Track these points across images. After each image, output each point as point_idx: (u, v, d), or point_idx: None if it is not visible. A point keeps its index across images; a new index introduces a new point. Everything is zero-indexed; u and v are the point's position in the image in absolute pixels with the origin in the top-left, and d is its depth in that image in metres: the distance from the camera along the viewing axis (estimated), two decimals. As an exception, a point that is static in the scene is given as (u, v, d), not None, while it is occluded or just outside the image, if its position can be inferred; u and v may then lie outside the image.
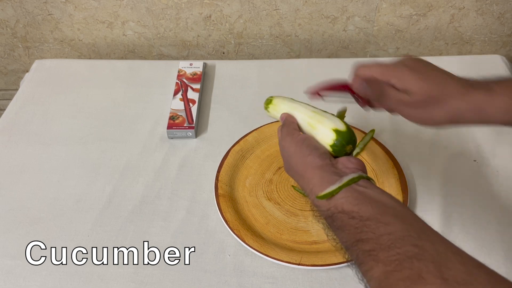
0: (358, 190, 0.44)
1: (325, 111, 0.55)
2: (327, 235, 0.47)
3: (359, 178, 0.45)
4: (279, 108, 0.59)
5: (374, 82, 0.51)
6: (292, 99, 0.59)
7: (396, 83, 0.49)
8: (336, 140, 0.50)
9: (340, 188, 0.44)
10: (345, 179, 0.45)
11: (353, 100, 0.56)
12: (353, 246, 0.41)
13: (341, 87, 0.55)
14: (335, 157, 0.50)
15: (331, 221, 0.44)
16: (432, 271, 0.34)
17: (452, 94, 0.47)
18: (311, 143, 0.51)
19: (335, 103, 0.58)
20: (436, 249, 0.36)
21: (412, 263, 0.35)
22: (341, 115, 0.55)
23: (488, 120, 0.48)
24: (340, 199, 0.44)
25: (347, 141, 0.51)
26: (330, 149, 0.51)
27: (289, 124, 0.55)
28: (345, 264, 0.62)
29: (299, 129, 0.55)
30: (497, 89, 0.47)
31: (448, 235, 0.67)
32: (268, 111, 0.61)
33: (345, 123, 0.52)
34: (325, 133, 0.51)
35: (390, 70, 0.50)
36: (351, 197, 0.43)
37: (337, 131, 0.51)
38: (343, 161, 0.48)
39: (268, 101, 0.61)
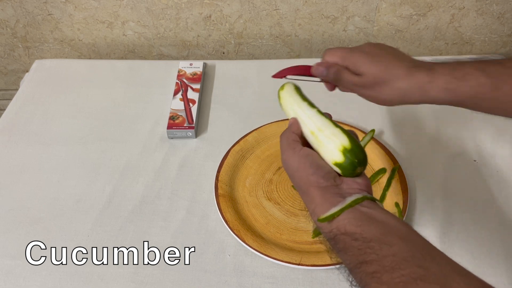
0: (362, 211, 0.43)
1: (335, 123, 0.51)
2: (331, 257, 0.47)
3: (363, 199, 0.44)
4: (286, 106, 0.56)
5: (335, 66, 0.55)
6: (302, 97, 0.55)
7: (350, 67, 0.53)
8: (344, 162, 0.47)
9: (342, 210, 0.43)
10: (348, 201, 0.44)
11: (318, 80, 0.58)
12: (357, 268, 0.40)
13: (305, 71, 0.58)
14: (340, 175, 0.48)
15: (334, 243, 0.43)
16: None
17: (397, 76, 0.51)
18: (314, 160, 0.48)
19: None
20: (441, 270, 0.36)
21: (417, 285, 0.35)
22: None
23: (431, 100, 0.51)
24: (343, 220, 0.43)
25: (358, 163, 0.47)
26: (338, 170, 0.47)
27: (288, 135, 0.52)
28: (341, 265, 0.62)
29: (302, 136, 0.52)
30: (439, 69, 0.50)
31: (448, 235, 0.67)
32: (279, 98, 0.58)
33: (356, 142, 0.48)
34: (333, 149, 0.48)
35: (348, 54, 0.54)
36: (354, 218, 0.42)
37: (347, 151, 0.47)
38: (348, 181, 0.47)
39: (281, 88, 0.57)
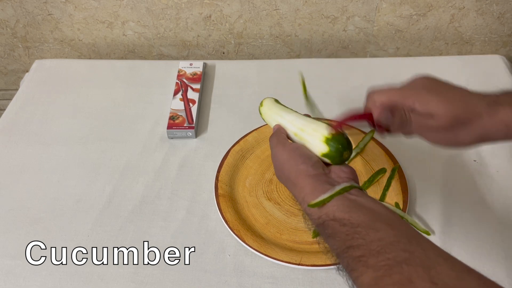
0: (350, 199, 0.45)
1: (315, 119, 0.54)
2: (318, 242, 0.48)
3: (351, 187, 0.46)
4: (268, 119, 0.60)
5: (393, 108, 0.49)
6: (280, 106, 0.59)
7: (419, 108, 0.47)
8: (330, 150, 0.49)
9: (331, 197, 0.45)
10: (337, 188, 0.45)
11: (366, 124, 0.53)
12: (344, 253, 0.41)
13: (362, 117, 0.51)
14: (327, 165, 0.50)
15: (323, 228, 0.45)
16: (422, 275, 0.34)
17: (479, 114, 0.46)
18: (303, 152, 0.51)
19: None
20: (426, 254, 0.37)
21: (401, 268, 0.35)
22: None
23: None
24: (332, 206, 0.44)
25: (342, 148, 0.49)
26: (326, 159, 0.50)
27: (278, 134, 0.55)
28: (340, 266, 0.62)
29: (290, 138, 0.55)
30: None
31: (448, 235, 0.67)
32: (260, 114, 0.62)
33: (336, 130, 0.50)
34: (317, 143, 0.51)
35: (409, 93, 0.48)
36: (343, 205, 0.44)
37: (329, 140, 0.50)
38: (335, 170, 0.49)
39: (261, 105, 0.62)
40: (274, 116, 0.58)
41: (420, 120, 0.48)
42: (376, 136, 0.80)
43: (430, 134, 0.49)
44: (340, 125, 0.51)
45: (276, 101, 0.61)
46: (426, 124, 0.47)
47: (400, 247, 0.38)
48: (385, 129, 0.51)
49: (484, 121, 0.46)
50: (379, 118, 0.49)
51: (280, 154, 0.52)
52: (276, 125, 0.58)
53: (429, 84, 0.48)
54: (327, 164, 0.51)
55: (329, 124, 0.52)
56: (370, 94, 0.50)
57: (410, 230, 0.41)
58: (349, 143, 0.50)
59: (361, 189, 0.47)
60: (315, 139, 0.51)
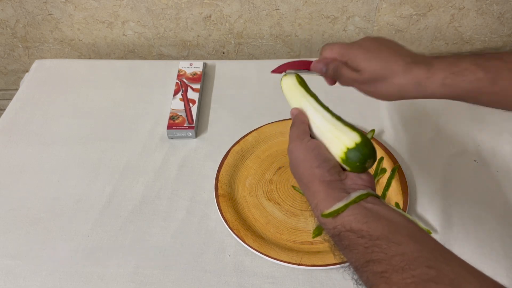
0: (367, 208, 0.42)
1: (340, 118, 0.51)
2: (334, 254, 0.45)
3: (368, 195, 0.43)
4: (291, 96, 0.56)
5: (334, 62, 0.54)
6: (308, 90, 0.55)
7: (349, 62, 0.53)
8: (353, 156, 0.46)
9: (346, 206, 0.42)
10: (353, 196, 0.43)
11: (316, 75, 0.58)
12: (363, 267, 0.39)
13: (304, 66, 0.58)
14: (344, 169, 0.47)
15: (338, 240, 0.42)
16: None
17: (395, 72, 0.50)
18: (321, 153, 0.47)
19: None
20: (454, 272, 0.35)
21: (429, 287, 0.34)
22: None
23: (429, 95, 0.50)
24: (348, 216, 0.42)
25: (367, 157, 0.46)
26: (346, 166, 0.47)
27: (299, 125, 0.51)
28: (345, 264, 0.62)
29: (310, 130, 0.51)
30: (437, 64, 0.49)
31: (448, 235, 0.67)
32: (281, 86, 0.58)
33: (364, 136, 0.48)
34: (340, 146, 0.47)
35: (346, 50, 0.53)
36: (360, 214, 0.41)
37: (351, 150, 0.46)
38: (352, 176, 0.46)
39: (284, 76, 0.57)
40: (301, 99, 0.54)
41: (348, 73, 0.53)
42: (376, 136, 0.81)
43: (359, 86, 0.54)
44: (281, 69, 0.57)
45: (302, 81, 0.57)
46: (352, 76, 0.53)
47: (425, 263, 0.35)
48: (329, 78, 0.57)
49: (398, 78, 0.50)
50: (314, 69, 0.56)
51: (296, 151, 0.49)
52: (295, 109, 0.54)
53: (368, 43, 0.53)
54: (344, 168, 0.47)
55: (356, 128, 0.49)
56: (323, 46, 0.56)
57: (433, 243, 0.39)
58: (372, 153, 0.47)
59: (378, 197, 0.45)
60: (338, 143, 0.47)
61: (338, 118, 0.50)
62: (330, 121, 0.50)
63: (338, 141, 0.47)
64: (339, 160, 0.47)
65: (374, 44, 0.53)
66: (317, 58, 0.57)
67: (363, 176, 0.46)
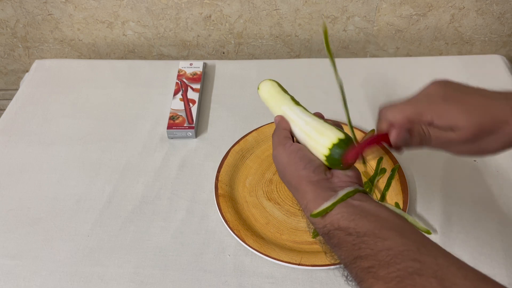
0: (354, 205, 0.43)
1: (320, 118, 0.51)
2: (325, 252, 0.46)
3: (355, 191, 0.44)
4: (271, 103, 0.55)
5: (409, 125, 0.45)
6: (287, 95, 0.55)
7: (438, 122, 0.43)
8: (335, 153, 0.46)
9: (334, 205, 0.43)
10: (340, 194, 0.43)
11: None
12: (352, 264, 0.39)
13: (378, 140, 0.47)
14: (330, 168, 0.48)
15: (328, 238, 0.43)
16: (435, 287, 0.33)
17: (505, 121, 0.42)
18: (304, 155, 0.48)
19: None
20: (438, 263, 0.35)
21: (413, 279, 0.34)
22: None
23: None
24: (336, 215, 0.42)
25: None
26: (331, 164, 0.47)
27: (280, 131, 0.52)
28: (346, 274, 0.62)
29: (292, 135, 0.52)
30: None
31: (448, 235, 0.67)
32: (259, 94, 0.58)
33: (345, 133, 0.48)
34: (324, 145, 0.47)
35: (425, 107, 0.44)
36: (347, 212, 0.42)
37: (336, 144, 0.46)
38: (338, 174, 0.46)
39: (262, 84, 0.58)
40: (280, 104, 0.54)
41: (441, 134, 0.44)
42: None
43: (453, 147, 0.45)
44: (358, 154, 0.46)
45: (280, 86, 0.56)
46: (448, 137, 0.44)
47: (410, 256, 0.36)
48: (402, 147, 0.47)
49: (510, 127, 0.42)
50: (397, 141, 0.45)
51: (280, 156, 0.49)
52: (278, 116, 0.54)
53: (445, 92, 0.44)
54: (330, 167, 0.48)
55: (336, 127, 0.48)
56: (383, 112, 0.47)
57: (419, 236, 0.39)
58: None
59: (366, 193, 0.45)
60: (322, 142, 0.47)
61: (319, 119, 0.51)
62: (312, 121, 0.50)
63: (321, 140, 0.48)
64: (323, 159, 0.47)
65: (453, 91, 0.45)
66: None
67: (349, 172, 0.47)
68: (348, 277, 0.41)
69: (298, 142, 0.52)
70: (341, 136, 0.47)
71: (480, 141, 0.43)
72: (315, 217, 0.44)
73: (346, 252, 0.41)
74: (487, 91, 0.44)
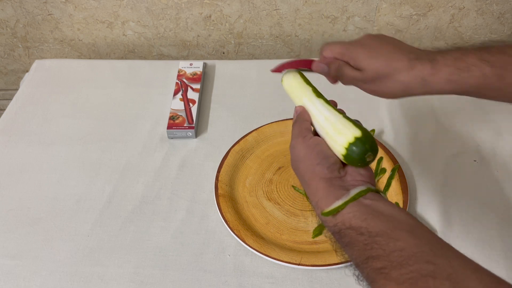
0: (366, 204, 0.42)
1: (342, 113, 0.50)
2: (336, 251, 0.46)
3: (367, 191, 0.43)
4: (293, 94, 0.56)
5: (336, 62, 0.54)
6: (307, 83, 0.55)
7: (351, 62, 0.53)
8: (353, 151, 0.46)
9: (346, 203, 0.42)
10: (352, 193, 0.43)
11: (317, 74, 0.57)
12: (363, 264, 0.39)
13: (305, 65, 0.57)
14: (344, 164, 0.47)
15: (339, 237, 0.43)
16: None
17: (398, 69, 0.50)
18: (322, 150, 0.47)
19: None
20: (452, 266, 0.35)
21: (427, 281, 0.34)
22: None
23: (435, 91, 0.50)
24: (347, 214, 0.42)
25: (367, 150, 0.46)
26: (347, 161, 0.47)
27: (301, 122, 0.51)
28: (345, 264, 0.62)
29: (313, 127, 0.52)
30: (441, 60, 0.49)
31: (448, 235, 0.67)
32: (282, 83, 0.58)
33: (365, 130, 0.48)
34: (342, 141, 0.47)
35: (347, 50, 0.53)
36: (359, 211, 0.42)
37: (352, 143, 0.46)
38: (352, 172, 0.46)
39: (286, 74, 0.58)
40: (302, 96, 0.54)
41: (352, 73, 0.53)
42: (376, 136, 0.81)
43: (361, 85, 0.54)
44: (281, 68, 0.57)
45: (304, 77, 0.57)
46: (356, 76, 0.53)
47: (423, 258, 0.36)
48: (331, 77, 0.57)
49: (402, 76, 0.50)
50: (315, 69, 0.56)
51: (298, 148, 0.49)
52: (299, 107, 0.54)
53: (368, 41, 0.53)
54: (344, 165, 0.47)
55: (356, 124, 0.48)
56: (322, 47, 0.56)
57: (432, 237, 0.39)
58: (373, 146, 0.47)
59: (378, 192, 0.45)
60: (340, 138, 0.47)
61: (341, 114, 0.50)
62: (332, 117, 0.49)
63: (340, 136, 0.47)
64: (340, 155, 0.47)
65: (375, 41, 0.53)
66: (317, 58, 0.57)
67: (362, 171, 0.46)
68: (360, 277, 0.40)
69: (317, 135, 0.51)
70: (358, 134, 0.46)
71: (379, 83, 0.51)
72: (326, 216, 0.43)
73: (357, 251, 0.40)
74: (403, 45, 0.52)
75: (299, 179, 0.49)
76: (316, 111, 0.51)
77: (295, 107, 0.54)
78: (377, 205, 0.42)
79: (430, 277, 0.34)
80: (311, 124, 0.51)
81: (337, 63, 0.54)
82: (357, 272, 0.41)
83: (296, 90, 0.55)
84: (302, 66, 0.57)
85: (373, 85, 0.52)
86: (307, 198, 0.70)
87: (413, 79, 0.50)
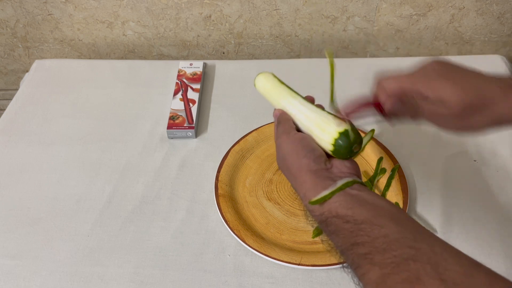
0: (352, 194, 0.44)
1: (323, 108, 0.52)
2: (322, 240, 0.48)
3: (353, 182, 0.45)
4: (270, 96, 0.56)
5: (403, 96, 0.47)
6: (281, 84, 0.56)
7: (430, 95, 0.45)
8: (339, 144, 0.48)
9: (333, 193, 0.44)
10: (339, 184, 0.45)
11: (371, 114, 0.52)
12: (349, 250, 0.40)
13: (370, 105, 0.50)
14: (330, 157, 0.49)
15: (325, 225, 0.44)
16: (430, 272, 0.34)
17: (492, 99, 0.44)
18: (307, 144, 0.49)
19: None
20: (433, 250, 0.36)
21: (408, 265, 0.35)
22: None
23: None
24: (334, 203, 0.44)
25: (354, 142, 0.48)
26: (334, 153, 0.49)
27: (285, 122, 0.53)
28: (345, 264, 0.62)
29: (295, 126, 0.53)
30: None
31: (448, 235, 0.67)
32: (256, 86, 0.58)
33: (350, 122, 0.49)
34: (325, 139, 0.49)
35: (420, 79, 0.46)
36: (345, 201, 0.43)
37: (337, 139, 0.48)
38: (337, 165, 0.48)
39: (258, 77, 0.58)
40: (279, 99, 0.55)
41: (431, 107, 0.46)
42: (376, 136, 0.80)
43: (442, 121, 0.47)
44: (348, 115, 0.50)
45: (277, 78, 0.57)
46: (438, 111, 0.46)
47: (406, 243, 0.37)
48: (394, 117, 0.50)
49: (497, 106, 0.44)
50: (390, 109, 0.48)
51: (284, 144, 0.50)
52: (277, 110, 0.55)
53: (440, 69, 0.46)
54: (329, 157, 0.49)
55: (337, 117, 0.49)
56: (380, 81, 0.49)
57: (415, 225, 0.41)
58: (359, 137, 0.48)
59: (363, 184, 0.46)
60: (323, 134, 0.49)
61: (321, 109, 0.52)
62: (312, 115, 0.51)
63: (324, 134, 0.49)
64: (328, 148, 0.49)
65: (450, 69, 0.47)
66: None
67: (348, 164, 0.48)
68: (344, 265, 0.42)
69: (300, 131, 0.53)
70: (341, 129, 0.48)
71: (469, 116, 0.45)
72: (314, 204, 0.45)
73: (343, 239, 0.42)
74: (480, 72, 0.46)
75: (286, 174, 0.51)
76: (296, 111, 0.53)
77: (274, 111, 0.56)
78: (362, 195, 0.44)
79: (411, 261, 0.35)
80: (293, 122, 0.53)
81: (412, 99, 0.47)
82: (356, 280, 0.41)
83: (271, 92, 0.56)
84: (369, 108, 0.51)
85: (459, 120, 0.45)
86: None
87: (509, 109, 0.44)
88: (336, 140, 0.48)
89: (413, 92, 0.46)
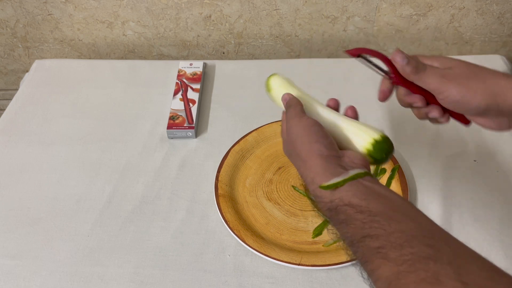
0: (366, 185, 0.43)
1: (350, 119, 0.53)
2: (328, 229, 0.47)
3: (365, 174, 0.44)
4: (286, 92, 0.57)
5: (415, 57, 0.51)
6: (301, 91, 0.56)
7: (456, 98, 0.49)
8: (380, 147, 0.49)
9: (345, 181, 0.43)
10: (352, 173, 0.43)
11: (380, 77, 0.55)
12: (359, 242, 0.39)
13: (380, 56, 0.54)
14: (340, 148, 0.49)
15: (335, 213, 0.42)
16: (450, 274, 0.32)
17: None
18: (320, 129, 0.48)
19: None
20: (453, 251, 0.35)
21: (427, 264, 0.33)
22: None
23: None
24: (347, 191, 0.42)
25: (391, 150, 0.50)
26: (369, 156, 0.50)
27: (296, 105, 0.52)
28: (345, 264, 0.62)
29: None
30: None
31: (448, 235, 0.67)
32: (269, 84, 0.59)
33: (379, 132, 0.51)
34: (366, 138, 0.49)
35: (450, 80, 0.50)
36: (359, 191, 0.42)
37: (382, 139, 0.50)
38: (349, 155, 0.47)
39: (269, 85, 0.59)
40: (302, 97, 0.55)
41: (439, 70, 0.50)
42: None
43: (445, 86, 0.50)
44: (357, 51, 0.54)
45: (292, 84, 0.58)
46: (443, 73, 0.50)
47: (424, 241, 0.35)
48: (399, 79, 0.53)
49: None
50: (397, 62, 0.51)
51: (295, 127, 0.49)
52: (287, 94, 0.55)
53: (464, 70, 0.52)
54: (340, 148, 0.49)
55: (366, 125, 0.51)
56: (418, 58, 0.51)
57: (431, 223, 0.39)
58: (393, 148, 0.50)
59: (375, 178, 0.45)
60: (364, 135, 0.50)
61: (345, 118, 0.53)
62: (345, 117, 0.52)
63: (364, 133, 0.50)
64: (364, 145, 0.49)
65: (467, 69, 0.51)
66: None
67: (360, 157, 0.48)
68: (365, 275, 0.39)
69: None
70: (383, 134, 0.50)
71: (498, 117, 0.49)
72: (325, 189, 0.43)
73: (354, 229, 0.40)
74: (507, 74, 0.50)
75: (294, 158, 0.50)
76: (327, 111, 0.54)
77: (283, 95, 0.55)
78: (376, 188, 0.43)
79: (431, 260, 0.34)
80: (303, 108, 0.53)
81: (416, 58, 0.51)
82: (365, 274, 0.39)
83: (291, 91, 0.56)
84: (376, 55, 0.55)
85: (488, 119, 0.50)
86: (302, 193, 0.70)
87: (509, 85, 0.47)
88: (376, 141, 0.49)
89: (435, 91, 0.50)
